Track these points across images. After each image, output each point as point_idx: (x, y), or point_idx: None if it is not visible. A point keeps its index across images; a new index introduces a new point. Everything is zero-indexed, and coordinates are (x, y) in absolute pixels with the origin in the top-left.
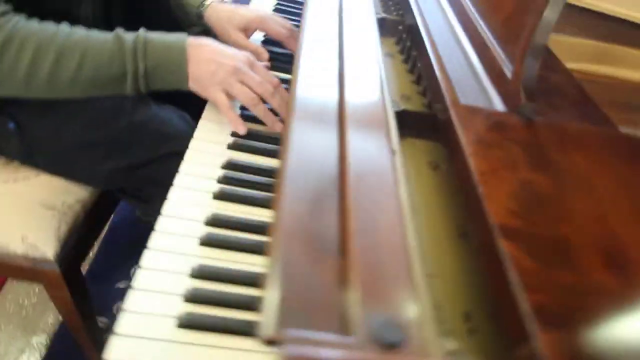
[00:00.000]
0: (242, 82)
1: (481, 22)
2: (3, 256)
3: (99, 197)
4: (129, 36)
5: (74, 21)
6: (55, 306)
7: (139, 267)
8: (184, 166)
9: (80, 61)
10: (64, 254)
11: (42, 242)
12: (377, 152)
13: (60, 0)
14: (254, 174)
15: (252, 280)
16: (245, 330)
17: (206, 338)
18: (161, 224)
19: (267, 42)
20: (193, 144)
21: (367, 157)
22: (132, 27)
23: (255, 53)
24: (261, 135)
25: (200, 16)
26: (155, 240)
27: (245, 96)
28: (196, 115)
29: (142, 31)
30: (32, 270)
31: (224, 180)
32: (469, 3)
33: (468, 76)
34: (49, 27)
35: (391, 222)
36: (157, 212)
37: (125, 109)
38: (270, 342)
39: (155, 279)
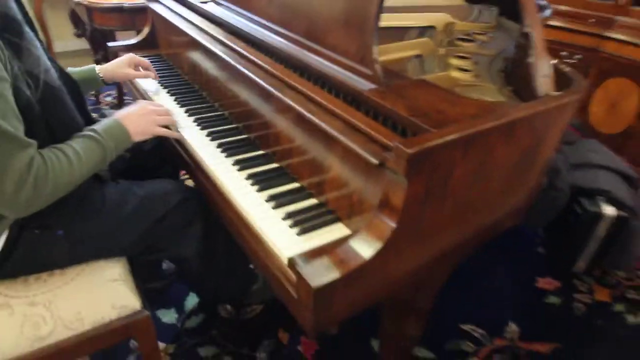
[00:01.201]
0: (159, 115)
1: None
2: (103, 327)
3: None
4: (97, 136)
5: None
6: (144, 353)
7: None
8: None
9: (85, 165)
10: (144, 301)
11: (128, 301)
12: None
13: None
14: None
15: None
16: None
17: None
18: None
19: None
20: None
21: None
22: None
23: (147, 75)
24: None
25: (99, 77)
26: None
27: (165, 122)
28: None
29: (99, 130)
30: (126, 326)
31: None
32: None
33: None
34: (60, 157)
35: None
36: (188, 249)
37: (135, 192)
38: None
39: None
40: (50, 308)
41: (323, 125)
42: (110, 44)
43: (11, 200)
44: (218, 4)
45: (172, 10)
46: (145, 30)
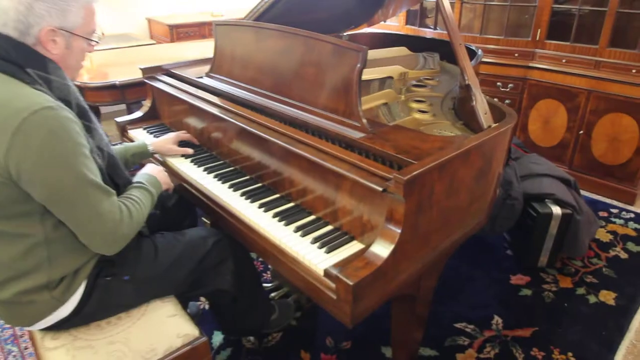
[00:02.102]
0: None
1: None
2: (172, 354)
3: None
4: (145, 185)
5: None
6: None
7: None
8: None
9: (146, 207)
10: (201, 329)
11: (189, 330)
12: None
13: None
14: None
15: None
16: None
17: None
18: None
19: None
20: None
21: None
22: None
23: (187, 151)
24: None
25: (151, 151)
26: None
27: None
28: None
29: (143, 181)
30: (190, 351)
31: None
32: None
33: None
34: (133, 201)
35: None
36: (224, 282)
37: (179, 239)
38: None
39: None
40: (127, 344)
41: (334, 167)
42: (117, 119)
43: (111, 238)
44: (212, 77)
45: (172, 86)
46: (147, 104)
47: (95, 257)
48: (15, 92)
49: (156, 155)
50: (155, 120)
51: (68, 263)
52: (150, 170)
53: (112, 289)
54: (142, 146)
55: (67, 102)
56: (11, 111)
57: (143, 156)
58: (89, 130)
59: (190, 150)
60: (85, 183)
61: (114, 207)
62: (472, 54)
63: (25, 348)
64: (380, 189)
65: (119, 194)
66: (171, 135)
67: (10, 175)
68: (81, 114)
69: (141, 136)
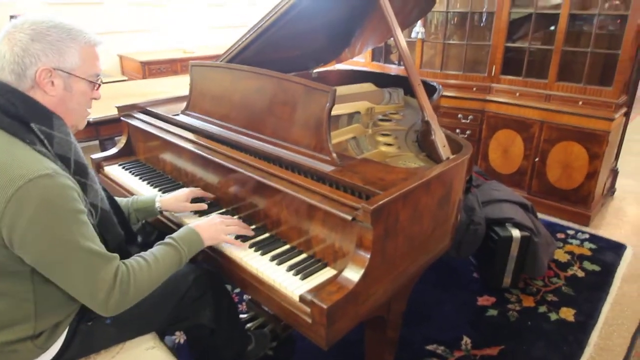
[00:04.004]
0: (227, 225)
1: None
2: None
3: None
4: (174, 242)
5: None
6: None
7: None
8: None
9: (163, 267)
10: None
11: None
12: None
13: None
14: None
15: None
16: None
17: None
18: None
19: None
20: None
21: None
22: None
23: (201, 207)
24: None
25: (159, 209)
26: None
27: (234, 231)
28: None
29: (175, 237)
30: None
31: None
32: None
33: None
34: (141, 263)
35: None
36: (203, 315)
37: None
38: None
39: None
40: None
41: (306, 199)
42: (93, 156)
43: (104, 305)
44: (187, 114)
45: (149, 123)
46: (123, 140)
47: (79, 305)
48: (14, 155)
49: (166, 214)
50: (130, 157)
51: (54, 317)
52: (198, 223)
53: (94, 333)
54: (149, 202)
55: (66, 159)
56: (7, 178)
57: (148, 213)
58: (84, 187)
59: (204, 206)
60: (78, 251)
61: (110, 274)
62: (433, 89)
63: None
64: (350, 217)
65: (107, 248)
66: (184, 192)
67: (3, 240)
68: (78, 171)
69: (144, 189)
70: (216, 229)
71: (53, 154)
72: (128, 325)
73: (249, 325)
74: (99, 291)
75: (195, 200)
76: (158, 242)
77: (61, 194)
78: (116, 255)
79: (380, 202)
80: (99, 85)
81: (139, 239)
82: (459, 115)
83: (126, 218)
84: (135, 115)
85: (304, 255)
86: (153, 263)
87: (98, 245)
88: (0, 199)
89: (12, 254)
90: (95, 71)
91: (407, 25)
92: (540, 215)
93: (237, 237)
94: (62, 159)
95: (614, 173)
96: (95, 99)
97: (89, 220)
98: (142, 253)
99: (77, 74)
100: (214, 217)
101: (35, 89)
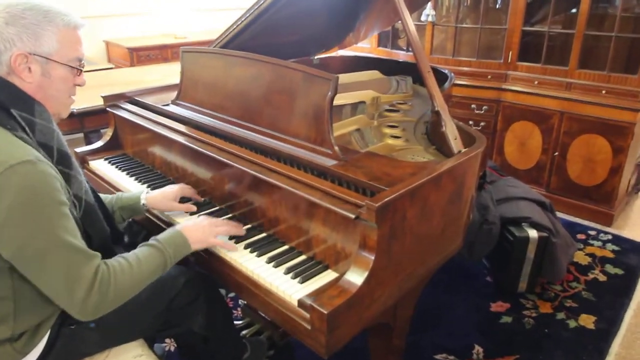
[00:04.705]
0: (216, 226)
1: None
2: None
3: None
4: (158, 244)
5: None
6: None
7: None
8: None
9: (146, 270)
10: None
11: None
12: None
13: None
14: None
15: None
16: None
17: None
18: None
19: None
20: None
21: None
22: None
23: (190, 208)
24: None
25: (144, 206)
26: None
27: (224, 232)
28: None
29: (160, 238)
30: None
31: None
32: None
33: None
34: (123, 264)
35: None
36: (195, 321)
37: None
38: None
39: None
40: None
41: (306, 196)
42: (77, 149)
43: (82, 305)
44: (178, 104)
45: (137, 114)
46: (109, 133)
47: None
48: None
49: (154, 211)
50: (117, 151)
51: (34, 317)
52: (185, 225)
53: (77, 337)
54: (134, 199)
55: (48, 147)
56: None
57: (134, 211)
58: (68, 178)
59: (193, 208)
60: (58, 245)
61: (90, 272)
62: (444, 77)
63: None
64: (353, 216)
65: (91, 245)
66: (172, 189)
67: None
68: (61, 160)
69: (132, 185)
70: (204, 232)
71: (35, 141)
72: (113, 330)
73: (244, 332)
74: (77, 290)
75: (184, 200)
76: (142, 243)
77: (43, 181)
78: (97, 253)
79: (386, 199)
80: (81, 70)
81: (126, 238)
82: (472, 106)
83: (111, 215)
84: (123, 105)
85: (303, 257)
86: (136, 265)
87: (79, 241)
88: None
89: None
90: (76, 55)
91: (416, 7)
92: (559, 214)
93: (231, 238)
94: (45, 147)
95: None
96: (79, 85)
97: (72, 213)
98: (124, 254)
99: (56, 59)
100: (202, 219)
101: (12, 75)
